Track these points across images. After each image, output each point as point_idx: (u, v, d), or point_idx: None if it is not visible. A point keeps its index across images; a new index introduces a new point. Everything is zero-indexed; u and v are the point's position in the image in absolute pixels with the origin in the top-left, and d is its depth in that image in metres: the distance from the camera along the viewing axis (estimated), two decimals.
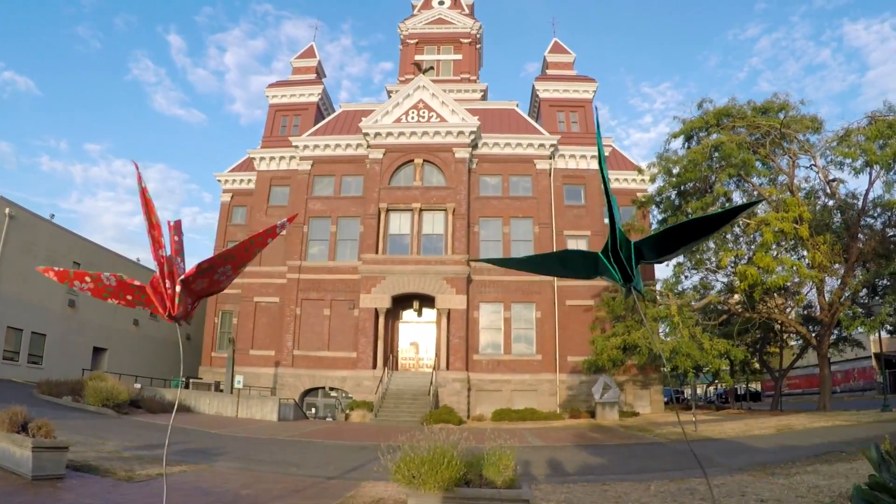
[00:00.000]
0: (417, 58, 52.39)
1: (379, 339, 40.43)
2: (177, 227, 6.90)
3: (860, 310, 31.99)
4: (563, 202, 44.52)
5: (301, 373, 41.04)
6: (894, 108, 30.06)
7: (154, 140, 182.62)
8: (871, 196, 31.84)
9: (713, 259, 36.05)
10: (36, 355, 38.16)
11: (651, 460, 18.22)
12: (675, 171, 34.06)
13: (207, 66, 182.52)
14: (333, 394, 41.02)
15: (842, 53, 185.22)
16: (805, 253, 31.83)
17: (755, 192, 33.33)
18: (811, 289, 34.53)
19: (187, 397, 34.64)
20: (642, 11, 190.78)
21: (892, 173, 30.04)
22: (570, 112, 48.34)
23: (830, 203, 33.66)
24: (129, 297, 6.82)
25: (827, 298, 32.44)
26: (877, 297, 33.06)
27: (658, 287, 37.96)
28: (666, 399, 50.97)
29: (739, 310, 36.03)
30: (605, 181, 6.32)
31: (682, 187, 34.69)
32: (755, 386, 76.65)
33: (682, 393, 74.65)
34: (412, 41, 54.06)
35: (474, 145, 44.34)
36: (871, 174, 30.45)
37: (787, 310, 37.07)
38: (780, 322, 37.95)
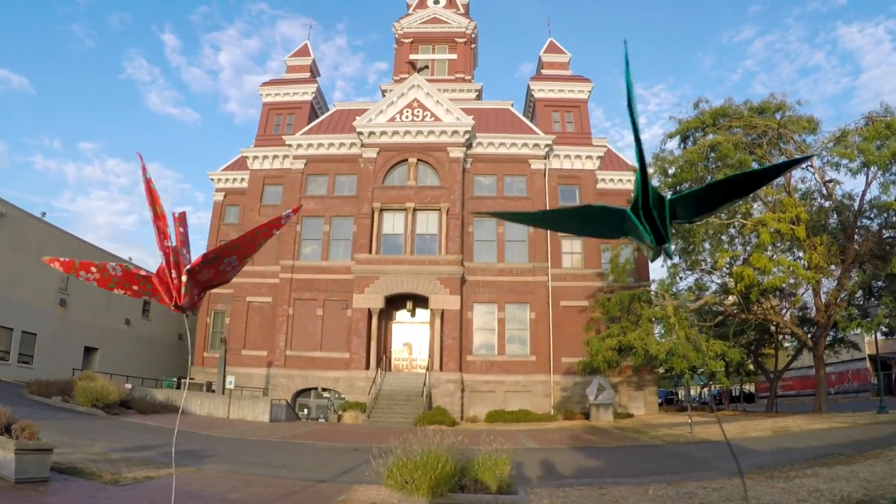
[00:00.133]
0: (412, 57, 52.13)
1: (372, 340, 40.15)
2: (181, 219, 6.91)
3: (856, 311, 31.83)
4: (557, 202, 44.26)
5: (293, 373, 40.74)
6: (891, 110, 29.95)
7: (148, 139, 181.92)
8: (867, 197, 31.73)
9: (709, 260, 35.88)
10: (26, 355, 37.83)
11: (647, 463, 17.99)
12: (671, 171, 33.90)
13: (202, 66, 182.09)
14: (326, 395, 40.74)
15: (836, 56, 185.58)
16: (801, 254, 31.68)
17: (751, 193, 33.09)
18: (807, 290, 34.42)
19: (178, 398, 34.30)
20: (637, 13, 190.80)
21: (889, 174, 29.90)
22: (565, 112, 48.13)
23: (827, 204, 33.54)
24: (134, 288, 6.76)
25: (823, 300, 32.31)
26: (872, 299, 32.94)
27: (653, 288, 37.79)
28: (660, 400, 50.89)
29: (735, 311, 35.86)
30: (634, 124, 5.23)
31: (677, 188, 34.46)
32: (749, 387, 76.61)
33: (676, 394, 74.56)
34: (407, 40, 53.80)
35: (469, 145, 44.11)
36: (867, 175, 30.33)
37: (783, 311, 36.90)
38: (775, 323, 37.81)
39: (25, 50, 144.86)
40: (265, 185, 46.92)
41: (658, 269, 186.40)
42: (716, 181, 4.84)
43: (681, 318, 31.04)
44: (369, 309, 40.33)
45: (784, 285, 32.11)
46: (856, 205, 32.46)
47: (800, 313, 37.81)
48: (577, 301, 41.86)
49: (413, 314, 42.40)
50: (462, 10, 55.76)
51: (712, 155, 32.13)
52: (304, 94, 50.26)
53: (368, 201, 42.42)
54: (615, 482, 13.89)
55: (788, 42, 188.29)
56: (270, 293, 43.49)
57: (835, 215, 32.86)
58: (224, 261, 6.69)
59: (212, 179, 50.72)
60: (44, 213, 40.80)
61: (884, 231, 32.52)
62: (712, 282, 38.87)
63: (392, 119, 44.11)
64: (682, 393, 73.67)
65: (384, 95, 48.42)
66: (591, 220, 5.79)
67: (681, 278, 37.14)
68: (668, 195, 4.93)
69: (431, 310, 40.53)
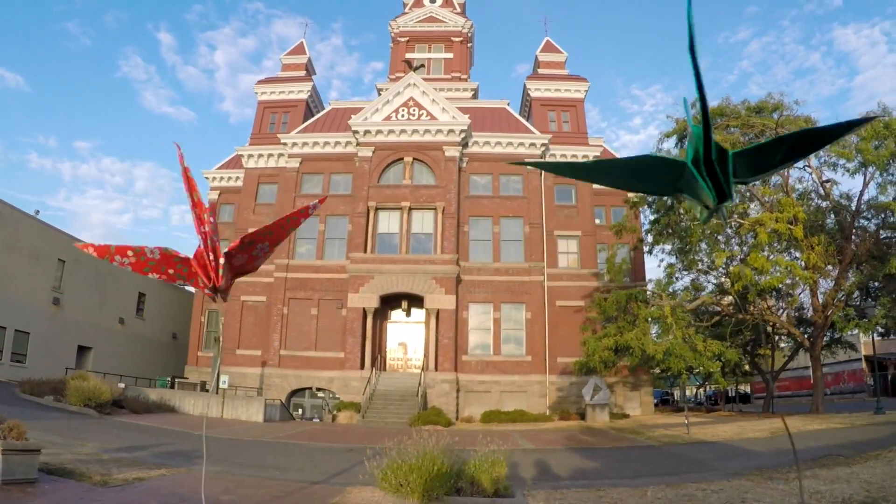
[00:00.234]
0: (408, 56, 51.94)
1: (367, 340, 39.96)
2: (211, 210, 7.01)
3: (853, 312, 31.73)
4: (553, 202, 44.17)
5: (288, 373, 40.52)
6: (889, 110, 29.85)
7: (143, 138, 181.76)
8: (865, 197, 31.63)
9: (706, 260, 35.76)
10: (19, 354, 37.52)
11: (645, 464, 17.82)
12: None
13: (197, 64, 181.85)
14: (321, 394, 40.54)
15: (831, 57, 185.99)
16: (799, 254, 31.56)
17: (748, 193, 33.04)
18: (803, 290, 34.31)
19: (172, 397, 34.10)
20: (633, 13, 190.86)
21: (887, 174, 29.81)
22: (561, 111, 48.01)
23: (824, 204, 33.44)
24: (170, 271, 6.85)
25: (820, 300, 32.20)
26: (869, 300, 32.85)
27: (650, 288, 37.65)
28: (656, 401, 50.82)
29: (731, 311, 35.73)
30: (697, 71, 4.62)
31: None
32: (744, 388, 76.53)
33: (672, 395, 74.51)
34: (403, 39, 53.60)
35: (465, 144, 43.94)
36: (865, 175, 30.24)
37: (780, 312, 36.78)
38: (772, 324, 37.69)
39: (21, 48, 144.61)
40: (260, 184, 46.69)
41: (654, 270, 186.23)
42: (779, 137, 4.44)
43: (678, 318, 30.88)
44: (364, 308, 40.13)
45: (781, 286, 31.99)
46: (853, 205, 32.38)
47: (796, 314, 37.70)
48: (573, 301, 41.72)
49: (408, 314, 42.22)
50: (458, 9, 55.55)
51: None
52: (300, 92, 50.02)
53: (364, 200, 42.22)
54: (613, 484, 13.70)
55: (784, 43, 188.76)
56: (265, 292, 43.25)
57: (832, 215, 32.77)
58: (257, 246, 6.81)
59: (206, 178, 50.47)
60: (37, 211, 40.59)
61: (881, 231, 32.43)
62: (708, 282, 38.81)
63: (388, 118, 43.91)
64: (677, 393, 73.74)
65: (380, 94, 48.19)
66: (645, 174, 5.25)
67: (677, 278, 37.06)
68: (731, 150, 4.46)
69: (427, 309, 40.34)
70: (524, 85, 50.12)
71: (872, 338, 33.05)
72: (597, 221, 45.73)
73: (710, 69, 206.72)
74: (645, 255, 43.08)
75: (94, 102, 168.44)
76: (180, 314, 53.33)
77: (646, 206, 37.34)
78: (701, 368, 31.39)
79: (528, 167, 43.26)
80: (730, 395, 65.19)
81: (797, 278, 29.63)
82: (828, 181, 32.63)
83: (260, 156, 46.96)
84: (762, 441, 21.29)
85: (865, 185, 30.61)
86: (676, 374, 32.63)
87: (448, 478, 8.57)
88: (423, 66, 50.78)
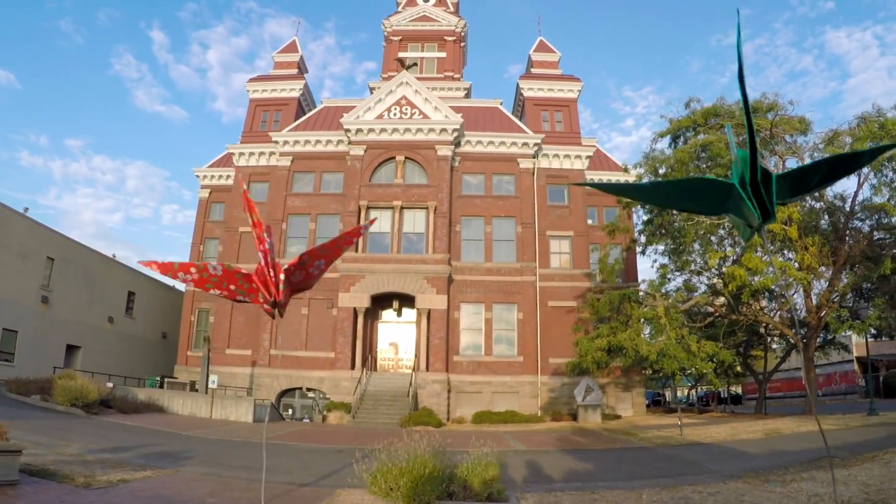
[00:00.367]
0: (401, 55, 51.71)
1: (358, 340, 39.69)
2: (268, 231, 7.12)
3: (847, 313, 31.64)
4: (546, 202, 43.99)
5: (278, 373, 40.23)
6: (883, 112, 29.75)
7: (135, 137, 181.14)
8: (859, 198, 31.54)
9: (699, 261, 35.62)
10: (7, 352, 37.08)
11: (639, 466, 17.61)
12: (661, 170, 33.58)
13: (190, 63, 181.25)
14: (311, 395, 40.26)
15: (823, 60, 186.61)
16: (793, 255, 31.43)
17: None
18: (796, 291, 34.18)
19: (160, 397, 33.80)
20: (626, 15, 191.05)
21: (881, 176, 29.72)
22: (554, 111, 47.82)
23: (818, 205, 33.31)
24: (231, 287, 7.00)
25: (814, 301, 32.08)
26: (861, 301, 32.77)
27: (643, 288, 37.52)
28: (647, 402, 50.71)
29: (724, 312, 35.59)
30: (745, 98, 5.44)
31: None
32: (736, 389, 76.53)
33: (663, 396, 74.42)
34: (396, 38, 53.38)
35: (457, 143, 43.72)
36: (860, 177, 30.13)
37: (773, 313, 36.66)
38: (765, 325, 37.58)
39: (13, 45, 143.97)
40: (251, 182, 46.27)
41: (647, 271, 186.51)
42: (817, 161, 5.04)
43: (672, 319, 30.72)
44: (355, 308, 39.88)
45: (775, 287, 31.85)
46: (847, 206, 32.27)
47: (789, 315, 37.61)
48: (565, 301, 41.56)
49: (399, 314, 41.99)
50: (452, 9, 55.42)
51: (703, 154, 31.85)
52: (292, 90, 49.70)
53: (355, 199, 41.94)
54: (607, 486, 13.48)
55: (777, 46, 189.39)
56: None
57: (826, 216, 32.65)
58: (314, 264, 7.03)
59: (197, 176, 50.25)
60: (26, 209, 40.05)
61: (875, 233, 32.35)
62: (701, 283, 38.66)
63: (380, 116, 43.66)
64: (669, 394, 73.65)
65: (372, 93, 47.91)
66: (696, 195, 5.95)
67: (670, 279, 36.93)
68: (774, 173, 5.13)
69: (418, 309, 40.11)
70: (517, 84, 49.91)
71: (866, 339, 32.96)
72: (589, 222, 45.61)
73: (702, 71, 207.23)
74: (638, 256, 43.02)
75: (86, 100, 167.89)
76: (170, 313, 52.99)
77: (639, 207, 37.18)
78: (694, 370, 31.24)
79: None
80: (722, 396, 65.12)
81: (791, 279, 29.49)
82: None
83: (251, 154, 46.63)
84: (756, 443, 21.11)
85: (860, 186, 30.55)
86: (670, 375, 32.48)
87: (439, 481, 8.33)
88: (415, 64, 50.59)
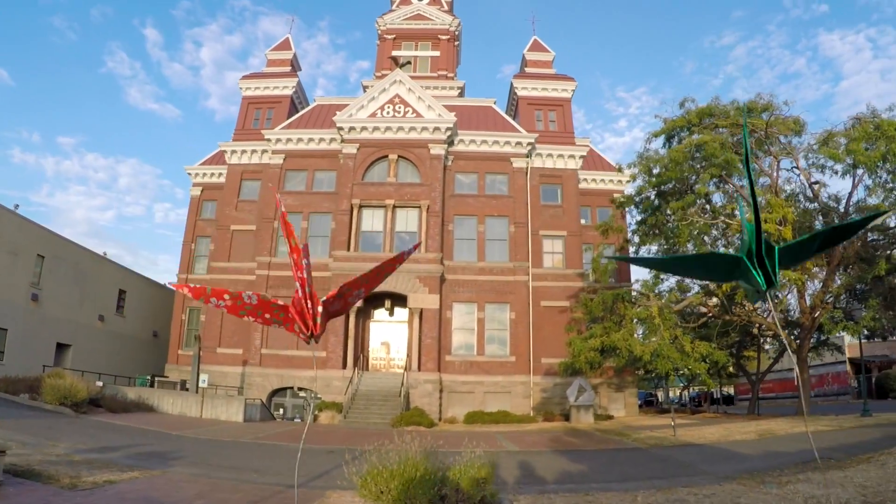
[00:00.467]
0: (395, 53, 51.50)
1: (349, 339, 39.45)
2: (305, 251, 7.16)
3: (841, 314, 31.56)
4: (539, 201, 43.86)
5: (269, 372, 39.97)
6: (878, 113, 29.68)
7: (127, 134, 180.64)
8: (853, 199, 31.48)
9: None
10: None
11: (633, 467, 17.45)
12: (655, 170, 33.46)
13: (183, 61, 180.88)
14: (302, 394, 40.04)
15: (816, 63, 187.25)
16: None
17: (736, 193, 32.82)
18: (790, 291, 34.11)
19: (150, 396, 33.54)
20: (621, 16, 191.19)
21: (876, 176, 29.65)
22: (548, 111, 47.71)
23: (812, 206, 33.24)
24: (266, 316, 6.95)
25: (808, 302, 32.00)
26: (854, 301, 32.70)
27: (637, 288, 37.41)
28: (639, 402, 50.67)
29: (718, 312, 35.49)
30: (752, 189, 6.55)
31: (661, 187, 34.06)
32: (728, 389, 76.57)
33: (656, 396, 74.44)
34: (390, 36, 53.14)
35: (450, 142, 43.54)
36: (854, 178, 30.08)
37: (766, 314, 36.55)
38: (758, 325, 37.49)
39: (6, 42, 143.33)
40: (243, 180, 46.12)
41: (639, 271, 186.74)
42: (811, 234, 6.17)
43: (665, 319, 30.59)
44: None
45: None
46: (841, 207, 32.20)
47: (783, 316, 37.53)
48: (557, 301, 41.43)
49: (391, 313, 41.78)
50: (446, 7, 55.22)
51: (698, 154, 31.71)
52: (285, 88, 49.43)
53: (347, 198, 41.71)
54: (601, 488, 13.32)
55: (770, 48, 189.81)
56: (247, 290, 42.52)
57: (820, 217, 32.57)
58: (354, 293, 7.04)
59: (189, 174, 49.98)
60: (17, 206, 39.70)
61: (869, 234, 32.25)
62: (694, 283, 38.52)
63: (373, 114, 43.44)
64: (661, 395, 73.67)
65: (365, 91, 47.69)
66: (710, 266, 7.10)
67: (663, 279, 36.78)
68: (777, 245, 6.21)
69: (410, 309, 39.91)
70: (511, 84, 49.78)
71: (860, 340, 32.89)
72: (582, 221, 45.51)
73: (696, 73, 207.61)
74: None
75: (79, 98, 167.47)
76: (161, 312, 52.65)
77: (633, 206, 37.07)
78: (687, 370, 31.13)
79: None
80: (714, 396, 65.11)
81: (786, 279, 29.37)
82: (816, 183, 32.44)
83: (243, 152, 46.37)
84: (750, 443, 21.00)
85: (854, 186, 30.48)
86: (664, 376, 32.37)
87: (431, 485, 8.14)
88: (409, 63, 50.41)
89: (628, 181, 38.03)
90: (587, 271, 42.23)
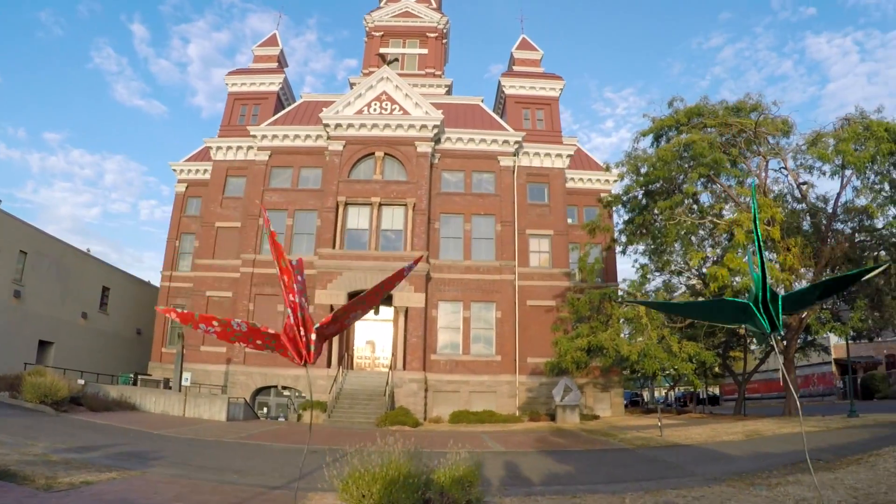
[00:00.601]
0: (382, 50, 51.20)
1: (334, 337, 39.07)
2: (298, 267, 6.96)
3: (829, 315, 31.51)
4: (526, 200, 43.71)
5: (253, 371, 39.65)
6: (867, 114, 29.64)
7: (114, 131, 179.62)
8: (841, 200, 31.45)
9: (679, 261, 35.42)
10: None
11: (620, 468, 17.25)
12: (643, 169, 33.33)
13: (170, 58, 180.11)
14: (286, 393, 39.76)
15: (803, 65, 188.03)
16: (774, 256, 31.25)
17: (724, 193, 32.74)
18: (779, 290, 34.04)
19: (133, 394, 33.14)
20: (609, 17, 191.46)
21: (864, 177, 29.63)
22: (535, 109, 47.59)
23: (800, 207, 33.19)
24: (258, 342, 6.74)
25: None
26: (840, 302, 32.68)
27: (624, 287, 37.31)
28: (625, 402, 50.63)
29: None
30: (758, 243, 7.41)
31: (649, 187, 33.94)
32: (714, 390, 76.65)
33: (641, 396, 74.42)
34: (378, 34, 52.84)
35: (437, 140, 43.31)
36: (843, 178, 30.02)
37: None
38: (745, 326, 37.40)
39: None
40: (228, 177, 45.75)
41: (626, 271, 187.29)
42: (813, 285, 7.04)
43: (653, 319, 30.48)
44: (332, 305, 39.35)
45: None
46: (829, 207, 32.18)
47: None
48: (544, 301, 41.28)
49: (377, 311, 41.39)
50: (435, 5, 55.03)
51: (686, 154, 31.59)
52: (271, 84, 49.08)
53: (333, 195, 41.42)
54: (588, 490, 13.11)
55: (757, 50, 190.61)
56: (231, 287, 42.39)
57: (808, 218, 32.53)
58: (351, 315, 6.82)
59: (174, 170, 49.58)
60: None
61: (857, 235, 32.26)
62: (681, 283, 38.47)
63: (360, 111, 43.17)
64: (647, 395, 73.66)
65: (352, 88, 47.42)
66: (719, 311, 8.02)
67: (650, 279, 36.73)
68: (781, 293, 6.93)
69: (395, 307, 39.64)
70: (499, 82, 49.61)
71: (847, 341, 32.87)
72: (569, 221, 45.38)
73: (683, 74, 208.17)
74: (617, 256, 42.87)
75: (65, 94, 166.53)
76: (145, 309, 52.18)
77: (620, 206, 36.95)
78: (674, 370, 31.03)
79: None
80: (700, 397, 65.19)
81: (774, 279, 29.29)
82: (804, 183, 32.42)
83: (229, 148, 45.98)
84: (737, 444, 20.84)
85: (843, 187, 30.43)
86: (651, 376, 32.27)
87: (415, 488, 7.90)
88: (396, 60, 50.20)
89: (616, 180, 37.93)
90: (573, 271, 42.16)
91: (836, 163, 28.75)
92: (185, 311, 6.42)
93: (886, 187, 29.71)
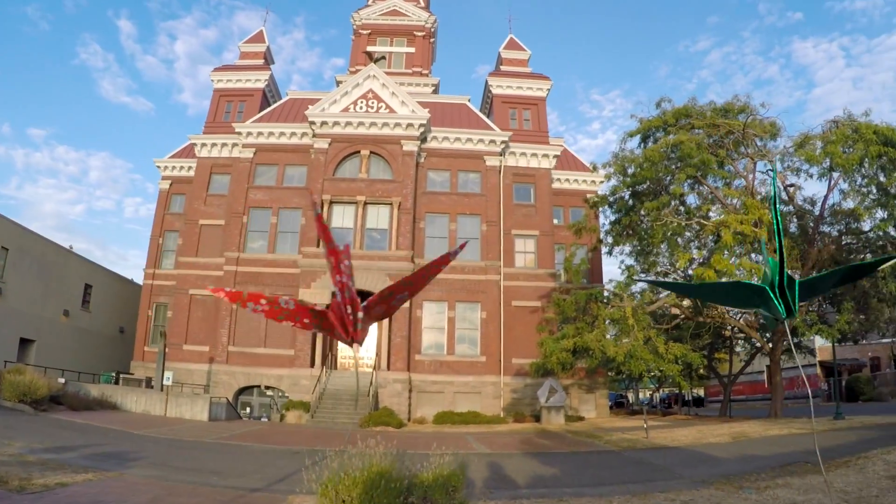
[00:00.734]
0: (370, 48, 50.90)
1: (318, 337, 38.82)
2: (346, 252, 6.60)
3: (816, 317, 31.46)
4: (512, 200, 43.52)
5: (236, 370, 39.26)
6: (854, 117, 29.63)
7: (99, 127, 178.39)
8: (829, 202, 31.45)
9: (665, 262, 35.33)
10: None
11: (606, 471, 17.05)
12: (630, 170, 33.19)
13: (157, 54, 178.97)
14: (269, 393, 39.39)
15: (790, 70, 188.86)
16: (761, 258, 31.19)
17: (711, 195, 32.66)
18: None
19: (114, 393, 32.76)
20: (596, 19, 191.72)
21: (851, 180, 29.61)
22: (522, 109, 47.40)
23: (787, 209, 33.15)
24: (305, 321, 6.64)
25: None
26: (828, 305, 32.66)
27: (610, 287, 37.17)
28: (610, 403, 50.53)
29: (690, 314, 35.32)
30: (778, 228, 6.97)
31: (636, 187, 33.83)
32: (698, 391, 76.66)
33: (626, 398, 74.37)
34: (365, 32, 52.52)
35: (423, 139, 43.04)
36: (830, 181, 30.00)
37: (739, 316, 36.46)
38: (731, 327, 37.38)
39: None
40: (212, 174, 45.30)
41: (612, 272, 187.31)
42: (830, 272, 6.84)
43: (639, 320, 30.34)
44: (315, 304, 38.96)
45: None
46: (816, 210, 32.15)
47: (756, 318, 37.46)
48: (529, 301, 41.11)
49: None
50: (423, 4, 54.80)
51: (673, 155, 31.47)
52: (257, 81, 48.63)
53: (318, 193, 41.06)
54: (574, 493, 12.90)
55: (744, 54, 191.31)
56: (214, 285, 41.98)
57: (795, 220, 32.50)
58: (397, 297, 6.61)
59: (158, 167, 49.06)
60: None
61: (843, 237, 32.25)
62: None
63: (346, 109, 42.84)
64: (632, 396, 73.64)
65: (339, 86, 47.09)
66: (735, 294, 7.98)
67: (636, 279, 36.61)
68: (798, 278, 6.72)
69: None
70: (486, 82, 49.38)
71: (833, 343, 32.85)
72: (555, 221, 45.22)
73: (670, 77, 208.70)
74: (603, 257, 42.78)
75: (51, 89, 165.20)
76: (128, 307, 51.66)
77: (606, 206, 36.82)
78: (660, 371, 30.92)
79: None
80: (685, 398, 65.15)
81: (760, 281, 29.19)
82: (791, 185, 32.39)
83: (213, 145, 45.53)
84: (724, 447, 20.71)
85: (830, 190, 30.42)
86: (637, 377, 32.13)
87: (397, 493, 7.66)
88: (383, 58, 49.93)
89: (602, 181, 37.80)
90: (559, 271, 42.02)
91: (825, 165, 28.72)
92: (233, 290, 6.32)
93: (874, 190, 29.67)
